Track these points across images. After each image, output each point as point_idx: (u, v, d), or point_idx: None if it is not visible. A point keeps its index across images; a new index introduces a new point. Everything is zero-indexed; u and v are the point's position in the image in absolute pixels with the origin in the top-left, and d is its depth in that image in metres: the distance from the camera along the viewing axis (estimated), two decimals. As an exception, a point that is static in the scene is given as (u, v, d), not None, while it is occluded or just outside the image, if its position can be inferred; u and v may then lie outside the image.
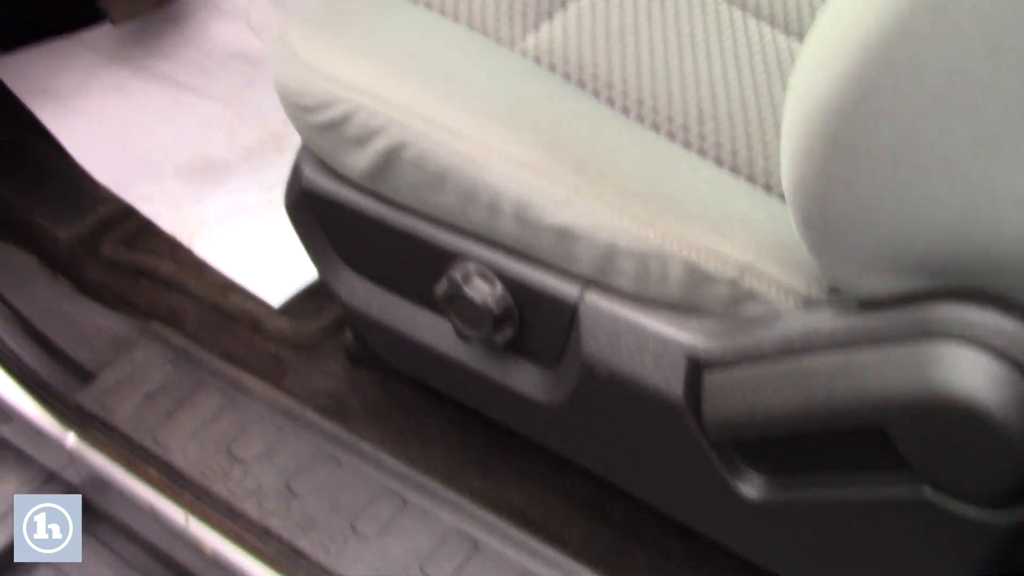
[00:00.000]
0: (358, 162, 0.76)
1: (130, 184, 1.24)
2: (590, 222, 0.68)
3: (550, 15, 0.82)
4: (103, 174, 1.25)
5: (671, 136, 0.74)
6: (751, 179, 0.72)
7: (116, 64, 1.37)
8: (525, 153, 0.70)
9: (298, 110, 0.78)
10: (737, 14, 0.84)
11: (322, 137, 0.78)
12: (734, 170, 0.72)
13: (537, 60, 0.78)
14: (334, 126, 0.76)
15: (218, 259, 1.16)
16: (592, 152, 0.71)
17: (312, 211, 0.86)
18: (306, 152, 0.85)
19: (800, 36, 0.83)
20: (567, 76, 0.77)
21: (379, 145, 0.74)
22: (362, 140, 0.75)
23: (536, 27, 0.81)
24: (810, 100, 0.51)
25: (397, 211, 0.79)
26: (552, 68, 0.78)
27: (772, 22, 0.84)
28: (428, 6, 0.81)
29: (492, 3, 0.82)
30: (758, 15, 0.84)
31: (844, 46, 0.48)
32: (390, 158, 0.74)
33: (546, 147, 0.70)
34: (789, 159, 0.55)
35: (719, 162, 0.73)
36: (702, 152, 0.73)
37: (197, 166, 1.28)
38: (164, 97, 1.35)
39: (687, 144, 0.73)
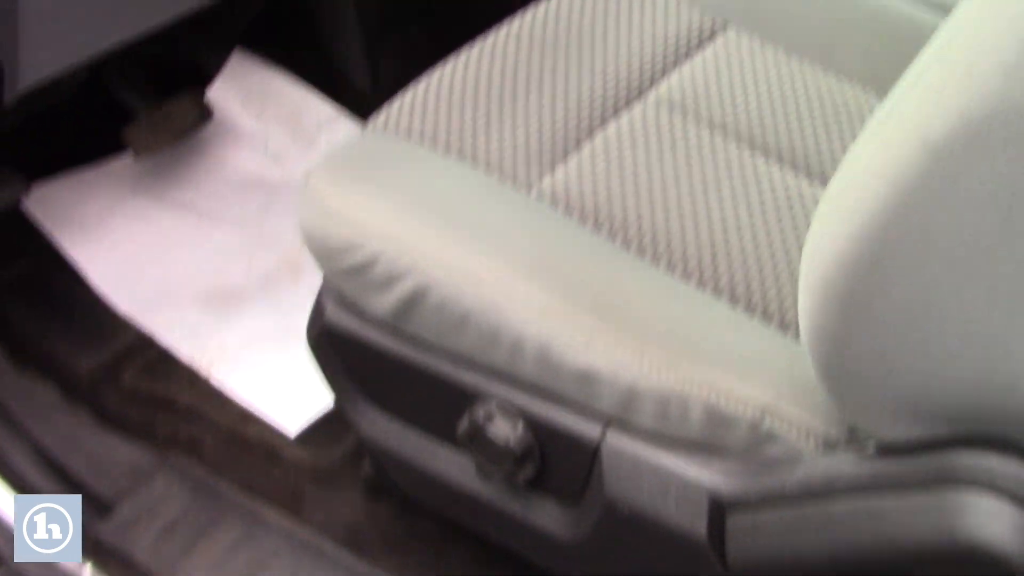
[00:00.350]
0: (382, 304, 0.78)
1: (150, 313, 1.26)
2: (610, 365, 0.70)
3: (565, 156, 0.85)
4: (123, 303, 1.27)
5: (686, 276, 0.76)
6: (766, 316, 0.74)
7: (138, 194, 1.40)
8: (545, 298, 0.72)
9: (323, 253, 0.80)
10: (746, 153, 0.87)
11: (346, 279, 0.80)
12: (749, 307, 0.74)
13: (554, 202, 0.81)
14: (359, 270, 0.78)
15: (236, 388, 1.18)
16: (610, 295, 0.73)
17: (334, 347, 0.88)
18: (328, 288, 0.87)
19: (808, 174, 0.86)
20: (583, 218, 0.80)
21: (402, 289, 0.76)
22: (386, 284, 0.77)
23: (552, 169, 0.84)
24: (825, 258, 0.53)
25: (419, 350, 0.80)
26: (568, 210, 0.80)
27: (780, 161, 0.86)
28: (447, 150, 0.84)
29: (510, 147, 0.85)
30: (766, 154, 0.87)
31: (856, 209, 0.50)
32: (413, 301, 0.76)
33: (566, 292, 0.73)
34: (807, 312, 0.57)
35: (734, 299, 0.75)
36: (717, 290, 0.75)
37: (215, 294, 1.30)
38: (184, 225, 1.38)
39: (701, 283, 0.75)
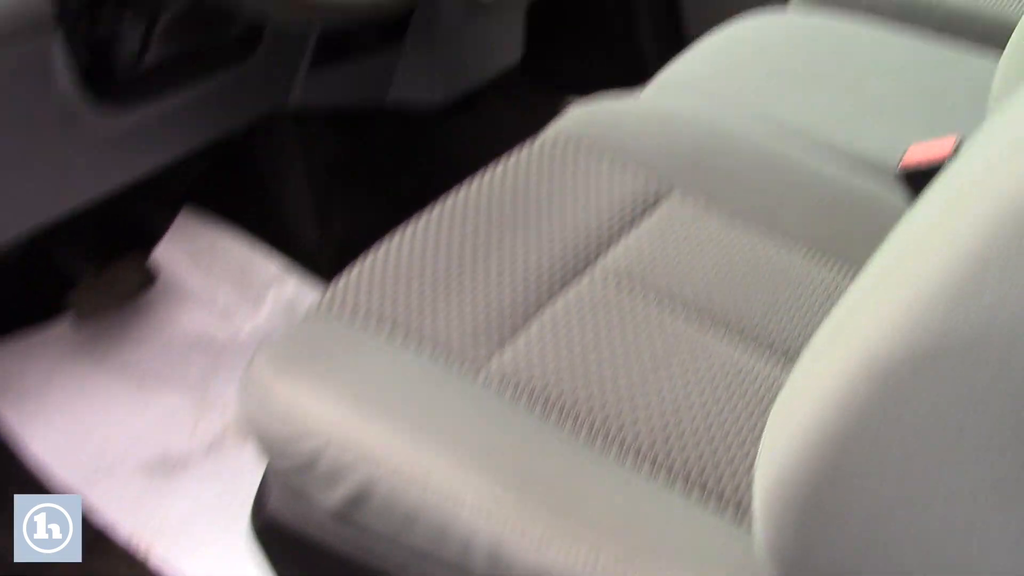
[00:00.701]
0: (326, 499, 0.76)
1: (89, 485, 1.22)
2: (564, 564, 0.67)
3: (513, 334, 0.84)
4: (63, 475, 1.23)
5: (638, 462, 0.74)
6: (721, 502, 0.72)
7: (79, 359, 1.37)
8: (497, 494, 0.70)
9: (266, 445, 0.78)
10: (695, 327, 0.86)
11: (290, 473, 0.77)
12: (703, 493, 0.72)
13: (502, 385, 0.79)
14: (303, 464, 0.75)
15: (175, 570, 1.13)
16: (562, 490, 0.71)
17: (278, 537, 0.84)
18: (272, 477, 0.84)
19: (757, 346, 0.85)
20: (532, 403, 0.78)
21: (348, 485, 0.74)
22: (331, 480, 0.74)
23: (501, 347, 0.83)
24: (779, 475, 0.52)
25: (367, 544, 0.77)
26: (517, 394, 0.79)
27: (728, 332, 0.86)
28: (393, 332, 0.83)
29: (457, 327, 0.84)
30: (715, 326, 0.87)
31: (807, 430, 0.49)
32: (360, 497, 0.74)
33: (515, 487, 0.70)
34: (762, 525, 0.55)
35: (687, 484, 0.73)
36: (670, 476, 0.73)
37: (158, 463, 1.26)
38: (127, 390, 1.34)
39: (654, 467, 0.74)
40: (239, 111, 1.25)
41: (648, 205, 0.99)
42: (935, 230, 0.46)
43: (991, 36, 1.33)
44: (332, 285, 0.88)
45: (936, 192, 0.48)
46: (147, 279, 1.37)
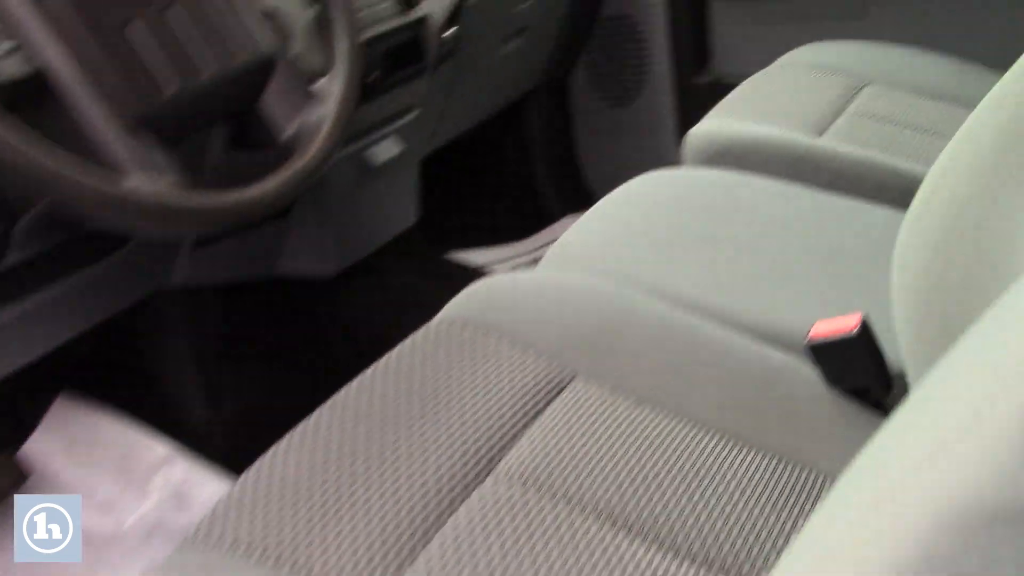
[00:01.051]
0: None
1: None
2: None
3: (413, 555, 0.78)
4: None
5: None
6: None
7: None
8: None
9: None
10: (608, 533, 0.81)
11: None
12: None
13: (402, 621, 0.72)
14: None
15: None
16: None
17: None
18: None
19: (676, 553, 0.80)
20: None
21: None
22: None
23: (399, 574, 0.76)
24: None
25: None
26: (419, 633, 0.71)
27: (643, 538, 0.81)
28: (278, 565, 0.75)
29: (349, 553, 0.77)
30: (627, 530, 0.81)
31: None
32: None
33: None
34: None
35: None
36: None
37: None
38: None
39: None
40: (116, 298, 1.17)
41: (551, 394, 0.94)
42: (865, 532, 0.41)
43: (883, 191, 1.34)
44: (208, 515, 0.81)
45: (860, 482, 0.44)
46: (17, 477, 1.26)
